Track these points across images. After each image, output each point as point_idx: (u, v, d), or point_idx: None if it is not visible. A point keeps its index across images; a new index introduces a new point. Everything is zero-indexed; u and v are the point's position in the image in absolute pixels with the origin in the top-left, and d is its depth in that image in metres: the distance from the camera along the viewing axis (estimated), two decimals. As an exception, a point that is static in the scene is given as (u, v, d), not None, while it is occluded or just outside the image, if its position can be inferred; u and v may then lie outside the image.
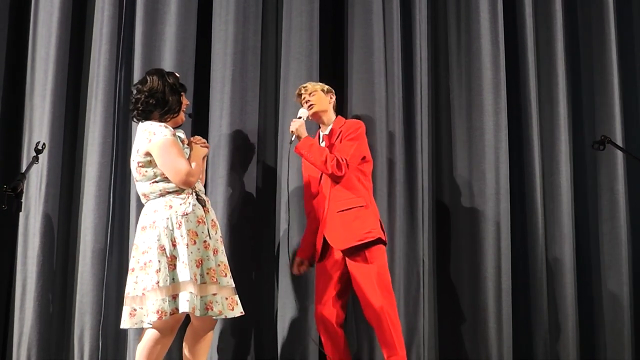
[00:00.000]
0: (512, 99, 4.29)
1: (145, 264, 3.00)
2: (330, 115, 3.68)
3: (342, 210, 3.46)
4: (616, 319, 4.13)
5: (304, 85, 3.71)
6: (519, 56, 4.33)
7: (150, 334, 3.04)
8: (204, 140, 3.31)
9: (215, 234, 3.13)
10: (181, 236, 2.98)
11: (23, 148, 4.14)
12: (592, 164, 4.34)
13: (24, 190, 3.58)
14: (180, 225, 2.99)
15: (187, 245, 2.97)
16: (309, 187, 3.68)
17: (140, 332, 3.15)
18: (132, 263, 3.08)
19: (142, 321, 3.01)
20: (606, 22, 4.39)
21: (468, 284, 4.09)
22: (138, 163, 3.08)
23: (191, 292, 2.92)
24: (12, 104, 4.27)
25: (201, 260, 3.00)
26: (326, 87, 3.71)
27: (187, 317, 3.15)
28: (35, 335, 3.94)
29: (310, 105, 3.62)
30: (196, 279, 2.96)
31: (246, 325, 3.94)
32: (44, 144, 3.35)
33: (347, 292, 3.55)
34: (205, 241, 3.03)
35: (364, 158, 3.55)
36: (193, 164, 3.09)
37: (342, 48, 4.28)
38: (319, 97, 3.64)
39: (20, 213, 3.85)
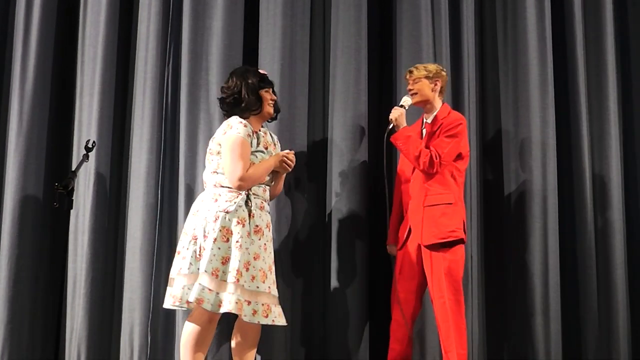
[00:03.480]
0: (561, 94, 4.23)
1: (179, 250, 3.13)
2: (434, 104, 3.58)
3: (430, 205, 3.43)
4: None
5: (410, 69, 3.62)
6: (567, 50, 4.26)
7: (188, 328, 3.11)
8: (291, 158, 3.27)
9: (259, 239, 3.14)
10: (213, 230, 3.05)
11: (73, 146, 4.15)
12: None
13: (75, 188, 3.61)
14: (216, 219, 3.06)
15: (215, 240, 3.03)
16: (403, 173, 3.65)
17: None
18: (178, 247, 3.21)
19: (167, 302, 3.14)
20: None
21: (515, 280, 4.05)
22: (209, 150, 3.22)
23: (200, 284, 2.97)
24: (61, 104, 4.29)
25: (228, 259, 3.03)
26: (434, 70, 3.57)
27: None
28: (85, 331, 3.97)
29: (413, 94, 3.57)
30: (216, 275, 2.99)
31: (295, 325, 3.95)
32: (94, 142, 3.37)
33: (425, 285, 3.51)
34: (237, 241, 3.04)
35: (459, 155, 3.49)
36: (253, 170, 3.12)
37: (390, 43, 4.23)
38: (422, 85, 3.55)
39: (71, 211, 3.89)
